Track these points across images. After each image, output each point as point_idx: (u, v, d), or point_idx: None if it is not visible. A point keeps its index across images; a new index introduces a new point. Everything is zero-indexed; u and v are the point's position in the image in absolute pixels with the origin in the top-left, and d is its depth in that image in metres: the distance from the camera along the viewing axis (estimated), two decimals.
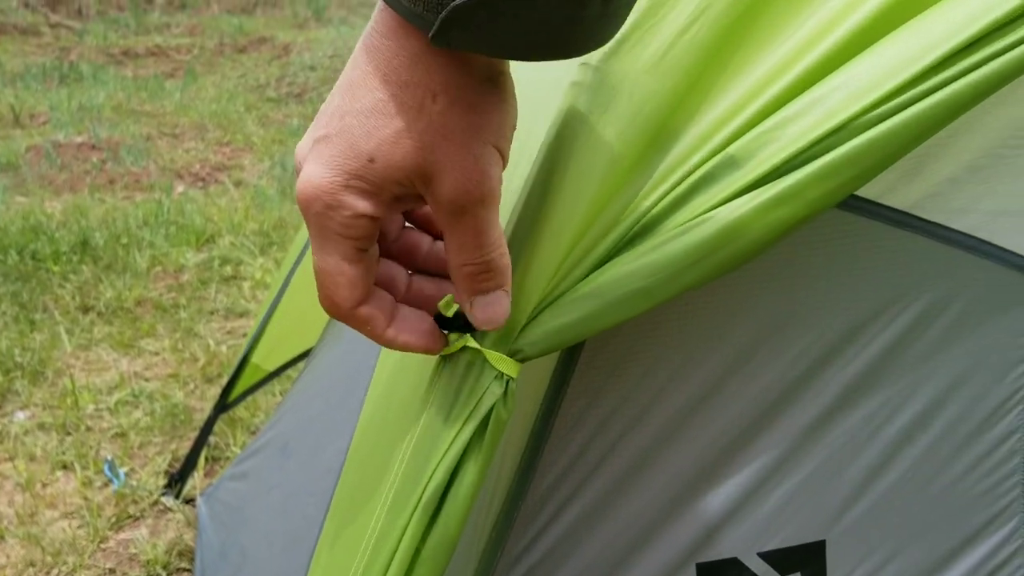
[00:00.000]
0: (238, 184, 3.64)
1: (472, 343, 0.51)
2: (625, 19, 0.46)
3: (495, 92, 0.45)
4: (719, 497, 0.65)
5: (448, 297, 0.51)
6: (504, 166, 0.47)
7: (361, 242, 0.46)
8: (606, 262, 0.53)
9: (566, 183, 0.52)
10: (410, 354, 0.58)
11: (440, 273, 0.54)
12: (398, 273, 0.52)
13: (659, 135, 0.55)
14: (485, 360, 0.51)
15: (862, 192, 0.64)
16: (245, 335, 2.32)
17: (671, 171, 0.55)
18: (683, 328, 0.62)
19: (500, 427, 0.51)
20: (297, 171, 0.46)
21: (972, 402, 0.70)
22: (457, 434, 0.50)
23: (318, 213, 0.44)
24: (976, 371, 0.70)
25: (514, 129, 0.47)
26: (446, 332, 0.52)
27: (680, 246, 0.51)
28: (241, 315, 2.44)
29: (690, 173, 0.54)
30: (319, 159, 0.44)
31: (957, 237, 0.67)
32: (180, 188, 3.63)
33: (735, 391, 0.64)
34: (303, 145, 0.46)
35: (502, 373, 0.51)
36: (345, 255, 0.46)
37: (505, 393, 0.51)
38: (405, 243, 0.53)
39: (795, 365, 0.65)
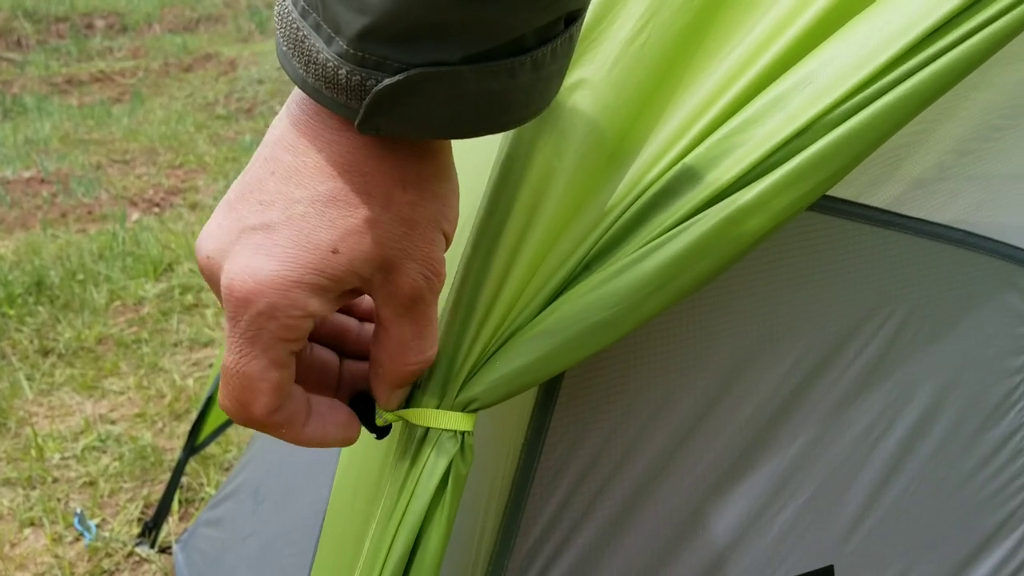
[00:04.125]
0: (194, 207, 3.55)
1: (414, 419, 0.46)
2: (560, 83, 0.42)
3: (455, 183, 0.43)
4: (718, 531, 0.61)
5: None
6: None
7: (297, 344, 0.41)
8: (561, 294, 0.49)
9: (517, 215, 0.48)
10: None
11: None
12: (330, 359, 0.48)
13: (616, 154, 0.51)
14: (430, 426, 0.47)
15: (840, 193, 0.60)
16: (211, 366, 2.25)
17: (629, 190, 0.50)
18: (664, 355, 0.58)
19: (460, 483, 0.47)
20: (209, 264, 0.41)
21: (973, 401, 0.66)
22: (410, 500, 0.46)
23: (259, 313, 0.39)
24: (974, 367, 0.66)
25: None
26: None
27: (640, 272, 0.47)
28: (206, 344, 2.37)
29: (646, 189, 0.50)
30: (260, 251, 0.39)
31: (940, 231, 0.64)
32: (135, 216, 3.53)
33: (724, 418, 0.60)
34: (216, 234, 0.40)
35: (455, 431, 0.46)
36: (275, 359, 0.41)
37: (462, 448, 0.46)
38: (333, 326, 0.49)
39: (786, 381, 0.61)
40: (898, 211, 0.62)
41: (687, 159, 0.50)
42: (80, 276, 2.81)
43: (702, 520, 0.61)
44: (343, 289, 0.41)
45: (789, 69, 0.52)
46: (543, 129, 0.48)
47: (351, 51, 0.36)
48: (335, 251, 0.39)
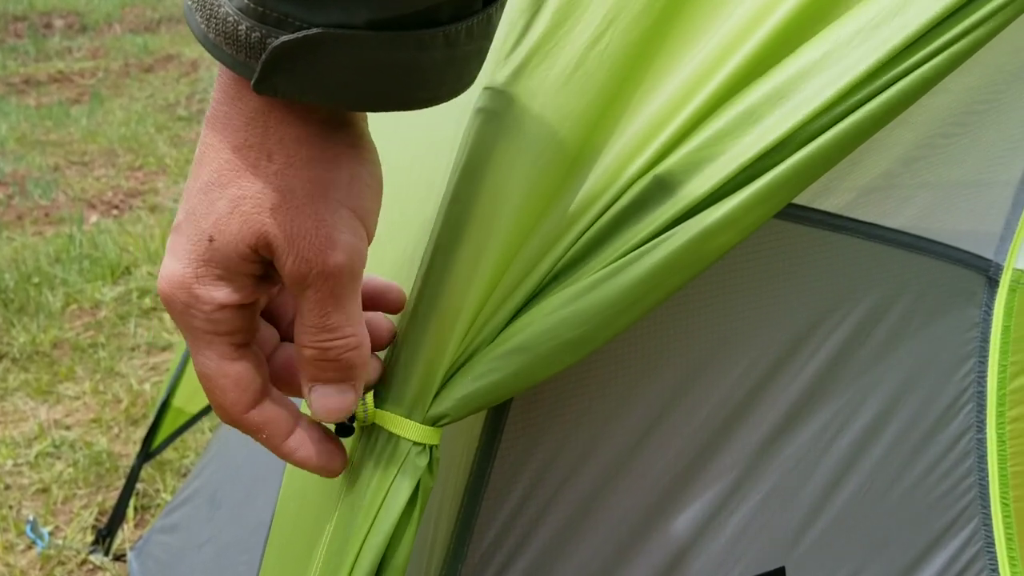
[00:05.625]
0: (153, 209, 3.50)
1: (384, 424, 0.46)
2: (479, 67, 0.41)
3: (343, 143, 0.40)
4: (671, 535, 0.61)
5: None
6: (369, 235, 0.41)
7: (234, 337, 0.40)
8: (529, 305, 0.49)
9: (477, 222, 0.48)
10: None
11: None
12: (269, 337, 0.47)
13: (579, 158, 0.51)
14: (402, 436, 0.46)
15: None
16: (169, 370, 2.22)
17: (595, 198, 0.50)
18: (619, 361, 0.58)
19: (427, 498, 0.46)
20: None
21: (923, 404, 0.67)
22: (377, 515, 0.45)
23: (180, 313, 0.40)
24: (925, 372, 0.67)
25: (377, 188, 0.41)
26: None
27: (614, 289, 0.47)
28: (164, 349, 2.34)
29: (616, 199, 0.50)
30: (171, 252, 0.40)
31: (892, 236, 0.64)
32: (93, 218, 3.48)
33: (679, 421, 0.60)
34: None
35: (425, 445, 0.46)
36: (222, 353, 0.40)
37: (430, 463, 0.46)
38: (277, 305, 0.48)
39: (739, 385, 0.61)
40: (850, 215, 0.62)
41: (658, 170, 0.50)
42: (36, 279, 2.76)
43: (656, 524, 0.61)
44: (244, 272, 0.39)
45: (756, 77, 0.52)
46: (501, 135, 0.48)
47: (252, 6, 0.35)
48: (211, 239, 0.38)
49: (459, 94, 0.41)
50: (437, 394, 0.46)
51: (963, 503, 0.69)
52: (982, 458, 0.70)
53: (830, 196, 0.61)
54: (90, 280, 2.76)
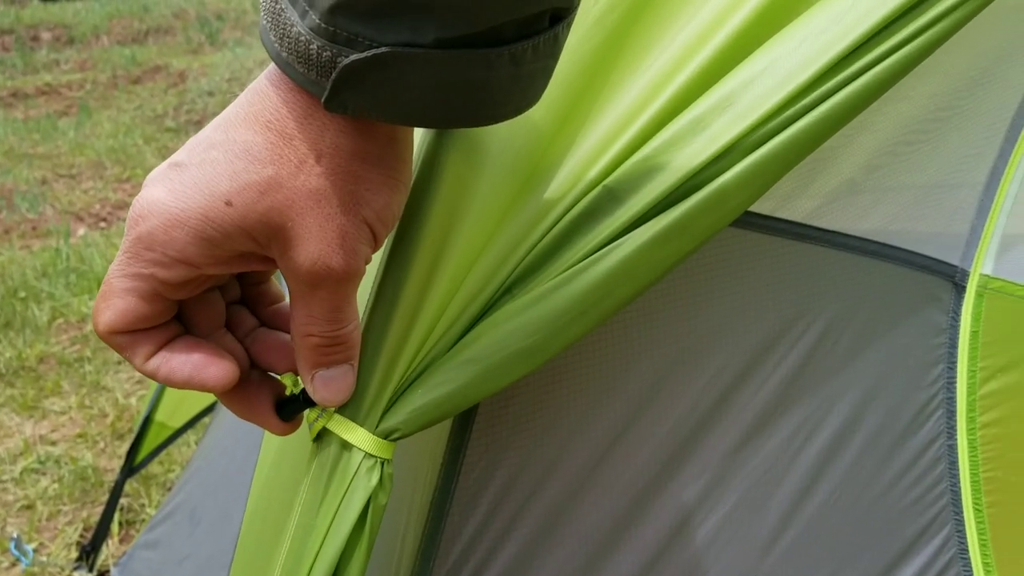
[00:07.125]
0: None
1: (335, 430, 0.45)
2: (545, 85, 0.42)
3: (388, 173, 0.41)
4: (639, 546, 0.61)
5: (293, 376, 0.45)
6: (376, 249, 0.43)
7: (166, 289, 0.40)
8: (483, 317, 0.48)
9: (431, 236, 0.47)
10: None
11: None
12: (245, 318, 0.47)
13: (535, 171, 0.50)
14: (353, 448, 0.46)
15: (756, 207, 0.60)
16: (152, 384, 2.21)
17: (549, 210, 0.50)
18: (583, 372, 0.58)
19: (379, 513, 0.46)
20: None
21: (892, 411, 0.67)
22: (328, 531, 0.45)
23: (139, 237, 0.39)
24: (892, 378, 0.67)
25: (399, 214, 0.43)
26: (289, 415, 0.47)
27: (563, 298, 0.47)
28: None
29: (567, 210, 0.50)
30: (167, 183, 0.39)
31: (856, 243, 0.64)
32: (80, 231, 3.47)
33: (645, 431, 0.60)
34: (157, 170, 0.41)
35: (376, 460, 0.46)
36: (138, 289, 0.40)
37: (381, 478, 0.46)
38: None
39: (705, 394, 0.61)
40: (814, 224, 0.62)
41: (607, 181, 0.50)
42: (22, 294, 2.76)
43: (624, 536, 0.60)
44: (233, 248, 0.40)
45: (707, 87, 0.52)
46: (456, 145, 0.48)
47: (323, 25, 0.36)
48: (228, 203, 0.39)
49: (524, 111, 0.42)
50: (389, 408, 0.46)
51: (935, 510, 0.69)
52: (953, 464, 0.70)
53: (794, 205, 0.61)
54: (77, 294, 2.75)
